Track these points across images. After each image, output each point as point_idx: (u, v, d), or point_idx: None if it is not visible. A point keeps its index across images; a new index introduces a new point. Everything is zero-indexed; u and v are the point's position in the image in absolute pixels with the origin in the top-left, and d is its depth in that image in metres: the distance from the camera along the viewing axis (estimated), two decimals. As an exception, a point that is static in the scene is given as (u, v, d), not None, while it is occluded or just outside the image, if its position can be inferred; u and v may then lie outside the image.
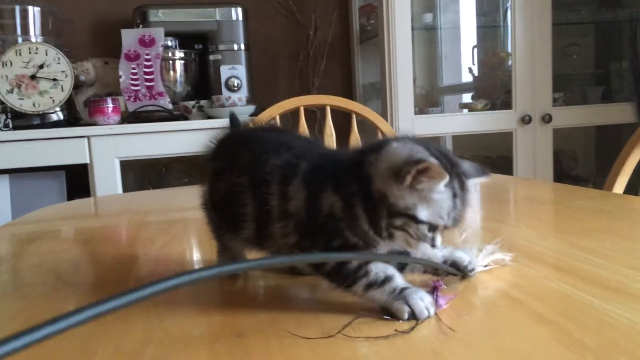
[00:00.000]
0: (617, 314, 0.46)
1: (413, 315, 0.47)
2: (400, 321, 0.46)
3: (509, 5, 2.35)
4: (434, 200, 0.47)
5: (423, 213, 0.47)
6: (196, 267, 0.72)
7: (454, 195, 0.48)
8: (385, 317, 0.47)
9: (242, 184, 0.54)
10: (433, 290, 0.50)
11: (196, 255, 0.79)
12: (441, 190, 0.47)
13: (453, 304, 0.50)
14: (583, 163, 2.73)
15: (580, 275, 0.57)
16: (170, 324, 0.50)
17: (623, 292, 0.52)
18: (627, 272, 0.57)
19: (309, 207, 0.49)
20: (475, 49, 2.58)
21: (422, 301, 0.47)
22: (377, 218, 0.47)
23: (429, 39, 2.58)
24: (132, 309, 0.54)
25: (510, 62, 2.33)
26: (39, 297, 0.61)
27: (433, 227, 0.48)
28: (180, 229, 0.98)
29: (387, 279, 0.48)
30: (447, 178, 0.46)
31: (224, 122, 2.01)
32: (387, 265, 0.50)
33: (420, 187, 0.46)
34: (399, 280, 0.49)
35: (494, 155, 2.57)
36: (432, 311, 0.47)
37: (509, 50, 2.35)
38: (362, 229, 0.48)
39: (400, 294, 0.47)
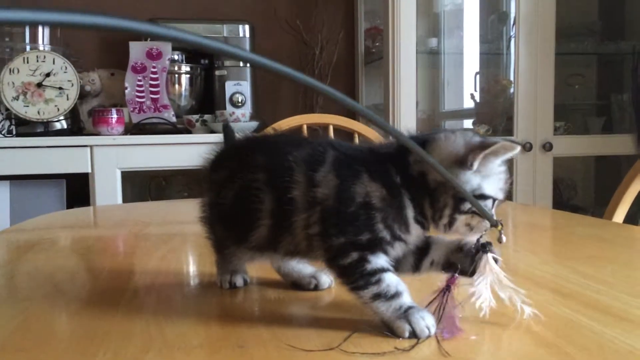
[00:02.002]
0: (618, 339, 0.46)
1: (414, 334, 0.47)
2: (401, 339, 0.46)
3: (512, 33, 2.38)
4: (496, 174, 0.50)
5: (489, 188, 0.50)
6: (196, 280, 0.72)
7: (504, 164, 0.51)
8: (386, 332, 0.47)
9: (257, 180, 0.53)
10: (446, 287, 0.50)
11: (195, 268, 0.79)
12: (499, 163, 0.50)
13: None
14: (582, 193, 2.73)
15: (581, 300, 0.57)
16: (170, 333, 0.50)
17: (624, 318, 0.52)
18: (628, 299, 0.57)
19: (339, 195, 0.49)
20: (478, 76, 2.60)
21: (424, 320, 0.47)
22: (440, 207, 0.50)
23: (433, 63, 2.61)
24: (132, 317, 0.54)
25: (512, 90, 2.35)
26: (32, 304, 0.61)
27: (493, 201, 0.51)
28: (179, 242, 0.98)
29: (397, 295, 0.48)
30: (519, 148, 0.50)
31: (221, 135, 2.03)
32: (399, 280, 0.49)
33: (485, 167, 0.49)
34: (407, 298, 0.48)
35: (494, 181, 2.57)
36: (432, 331, 0.47)
37: (511, 78, 2.38)
38: (403, 218, 0.50)
39: (404, 313, 0.47)
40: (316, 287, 0.60)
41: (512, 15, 2.40)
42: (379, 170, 0.50)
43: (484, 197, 0.50)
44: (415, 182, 0.50)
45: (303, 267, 0.62)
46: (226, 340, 0.48)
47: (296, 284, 0.62)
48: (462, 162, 0.49)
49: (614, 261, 0.76)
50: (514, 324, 0.50)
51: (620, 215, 1.22)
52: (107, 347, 0.46)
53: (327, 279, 0.61)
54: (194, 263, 0.82)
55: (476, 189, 0.49)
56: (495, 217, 0.51)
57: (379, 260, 0.49)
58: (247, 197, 0.53)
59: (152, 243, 0.96)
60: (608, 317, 0.52)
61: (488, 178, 0.50)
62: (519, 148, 0.50)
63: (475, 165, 0.49)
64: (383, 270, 0.49)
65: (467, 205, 0.49)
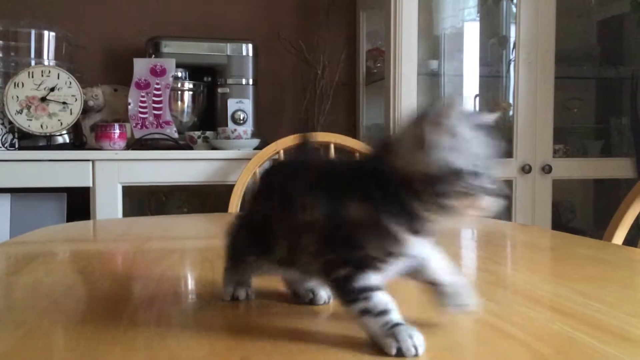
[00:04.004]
0: (619, 357, 0.47)
1: (400, 352, 0.46)
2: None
3: (512, 57, 2.41)
4: (460, 142, 0.45)
5: (458, 162, 0.44)
6: (197, 294, 0.72)
7: (474, 129, 0.46)
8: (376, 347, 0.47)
9: (274, 205, 0.56)
10: None
11: (195, 283, 0.79)
12: (459, 127, 0.45)
13: (454, 344, 0.50)
14: (581, 215, 2.74)
15: (581, 319, 0.57)
16: (174, 345, 0.50)
17: (625, 337, 0.52)
18: (629, 319, 0.58)
19: (330, 217, 0.49)
20: (478, 98, 2.63)
21: (411, 339, 0.46)
22: (420, 200, 0.46)
23: (433, 85, 2.63)
24: (134, 330, 0.55)
25: (511, 112, 2.37)
26: (33, 317, 0.61)
27: (476, 175, 0.45)
28: (179, 257, 0.98)
29: (384, 312, 0.48)
30: (457, 105, 0.44)
31: (227, 153, 2.04)
32: (390, 300, 0.49)
33: (440, 140, 0.44)
34: (395, 315, 0.48)
35: (493, 203, 2.58)
36: (420, 351, 0.46)
37: (511, 100, 2.40)
38: (391, 234, 0.47)
39: (390, 329, 0.47)
40: (312, 302, 0.61)
41: (512, 39, 2.43)
42: (360, 188, 0.48)
43: (454, 173, 0.44)
44: (399, 188, 0.46)
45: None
46: (230, 352, 0.48)
47: (310, 299, 0.62)
48: (416, 143, 0.44)
49: (614, 282, 0.76)
50: (514, 342, 0.51)
51: (619, 238, 1.23)
52: (112, 358, 0.46)
53: (324, 294, 0.62)
54: (194, 278, 0.82)
55: (445, 166, 0.44)
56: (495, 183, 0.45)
57: (368, 279, 0.49)
58: (270, 215, 0.56)
59: (153, 258, 0.96)
60: (609, 336, 0.52)
61: (455, 150, 0.44)
62: (457, 107, 0.44)
63: (428, 139, 0.44)
64: (372, 289, 0.49)
65: (441, 187, 0.44)
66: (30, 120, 2.00)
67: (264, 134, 2.29)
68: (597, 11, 2.68)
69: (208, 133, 2.15)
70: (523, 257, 1.01)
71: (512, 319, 0.57)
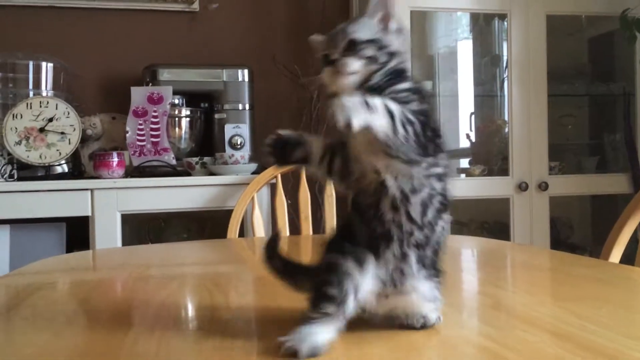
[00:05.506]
0: (614, 381, 0.47)
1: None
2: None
3: (505, 75, 2.44)
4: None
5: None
6: (197, 324, 0.73)
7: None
8: None
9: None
10: None
11: (195, 312, 0.79)
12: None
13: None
14: (579, 231, 2.75)
15: (577, 342, 0.58)
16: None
17: (619, 360, 0.53)
18: (624, 340, 0.58)
19: None
20: (473, 116, 2.65)
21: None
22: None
23: (428, 105, 2.65)
24: (136, 337, 0.55)
25: (507, 130, 2.39)
26: (34, 351, 0.61)
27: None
28: (179, 285, 0.98)
29: None
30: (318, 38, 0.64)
31: (225, 179, 2.05)
32: None
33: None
34: None
35: (491, 221, 2.59)
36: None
37: (506, 118, 2.42)
38: None
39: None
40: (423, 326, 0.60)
41: (505, 57, 2.46)
42: None
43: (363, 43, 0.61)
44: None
45: None
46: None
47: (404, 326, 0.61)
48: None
49: (610, 302, 0.77)
50: (512, 367, 0.51)
51: (616, 255, 1.23)
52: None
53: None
54: (194, 306, 0.82)
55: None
56: None
57: None
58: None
59: (152, 287, 0.96)
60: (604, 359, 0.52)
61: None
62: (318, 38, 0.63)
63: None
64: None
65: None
66: (29, 151, 2.02)
67: (262, 158, 2.30)
68: (587, 29, 2.72)
69: (206, 159, 2.17)
70: (521, 278, 1.02)
71: (508, 343, 0.58)
